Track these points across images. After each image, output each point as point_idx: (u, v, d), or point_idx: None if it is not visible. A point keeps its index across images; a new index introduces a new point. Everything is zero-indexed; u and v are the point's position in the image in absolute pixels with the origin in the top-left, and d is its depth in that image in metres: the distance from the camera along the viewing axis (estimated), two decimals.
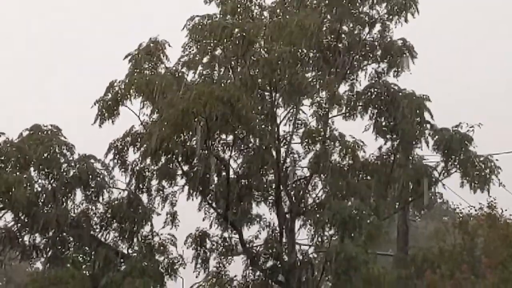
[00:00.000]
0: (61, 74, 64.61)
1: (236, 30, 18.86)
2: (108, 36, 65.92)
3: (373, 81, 20.96)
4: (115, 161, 19.98)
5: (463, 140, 19.79)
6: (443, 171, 20.21)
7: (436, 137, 19.95)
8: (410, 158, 20.19)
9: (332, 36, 21.06)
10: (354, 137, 20.22)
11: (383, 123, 20.05)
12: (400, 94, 19.92)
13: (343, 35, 21.29)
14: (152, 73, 19.75)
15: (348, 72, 21.29)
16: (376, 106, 20.06)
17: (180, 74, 20.15)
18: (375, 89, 20.22)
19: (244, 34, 18.76)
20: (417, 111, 19.69)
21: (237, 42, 18.82)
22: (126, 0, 68.74)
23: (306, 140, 20.38)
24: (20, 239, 19.85)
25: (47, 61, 66.60)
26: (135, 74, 19.69)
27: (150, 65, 20.02)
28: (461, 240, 21.30)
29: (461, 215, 22.62)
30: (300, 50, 19.17)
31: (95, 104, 19.53)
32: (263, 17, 20.77)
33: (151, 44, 20.20)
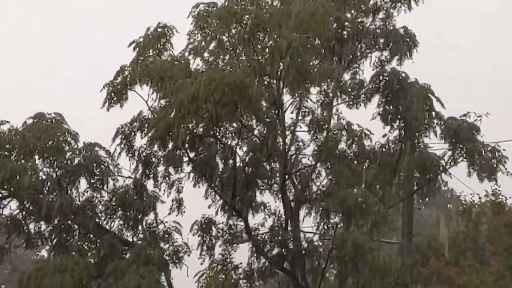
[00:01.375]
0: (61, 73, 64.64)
1: (246, 16, 18.80)
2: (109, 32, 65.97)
3: (377, 69, 20.93)
4: (122, 146, 19.95)
5: (470, 129, 19.79)
6: (450, 160, 20.20)
7: (444, 126, 19.94)
8: (417, 146, 20.15)
9: (337, 24, 20.99)
10: (360, 126, 20.21)
11: (390, 111, 20.00)
12: (408, 82, 19.88)
13: (346, 23, 21.23)
14: (158, 59, 19.69)
15: (351, 60, 21.24)
16: (384, 94, 20.02)
17: (186, 61, 20.12)
18: (384, 77, 20.18)
19: (252, 20, 18.71)
20: (426, 99, 19.66)
21: (245, 29, 18.76)
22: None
23: (313, 128, 20.34)
24: (25, 227, 19.85)
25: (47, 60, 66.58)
26: (140, 60, 19.65)
27: (155, 52, 19.97)
28: (465, 228, 21.31)
29: (465, 203, 22.66)
30: (309, 38, 19.13)
31: (104, 88, 19.50)
32: (268, 5, 20.66)
33: (158, 29, 20.13)
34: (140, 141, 20.12)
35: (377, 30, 21.29)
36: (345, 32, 21.14)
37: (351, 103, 20.90)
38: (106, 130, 20.00)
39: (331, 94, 20.85)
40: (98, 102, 19.95)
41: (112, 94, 19.47)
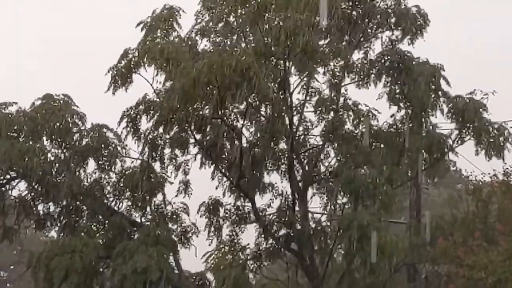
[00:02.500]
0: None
1: None
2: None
3: (384, 49, 20.84)
4: (128, 129, 19.97)
5: (477, 107, 19.70)
6: (457, 139, 20.15)
7: (450, 104, 19.86)
8: (424, 126, 20.09)
9: (347, 3, 20.88)
10: (367, 106, 20.17)
11: (397, 91, 19.93)
12: (414, 62, 19.78)
13: (357, 3, 21.11)
14: (165, 40, 19.64)
15: (362, 40, 21.13)
16: (390, 73, 19.94)
17: (193, 42, 20.07)
18: (389, 57, 20.09)
19: (259, 1, 18.62)
20: (432, 78, 19.57)
21: (252, 9, 18.69)
22: None
23: (320, 108, 20.29)
24: (34, 208, 19.98)
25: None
26: (148, 42, 19.60)
27: (162, 33, 19.91)
28: (475, 207, 21.25)
29: (474, 182, 22.59)
30: (315, 18, 19.03)
31: (108, 72, 19.50)
32: None
33: (165, 11, 20.06)
34: (146, 124, 20.15)
35: (389, 10, 21.15)
36: (354, 12, 21.01)
37: (359, 83, 20.81)
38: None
39: (338, 74, 20.77)
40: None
41: (117, 77, 19.44)
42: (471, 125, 19.84)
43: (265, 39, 18.80)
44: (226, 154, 20.33)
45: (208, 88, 17.56)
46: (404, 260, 19.70)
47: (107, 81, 19.31)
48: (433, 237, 20.02)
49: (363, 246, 17.89)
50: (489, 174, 21.99)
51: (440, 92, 19.79)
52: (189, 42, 20.02)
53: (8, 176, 19.50)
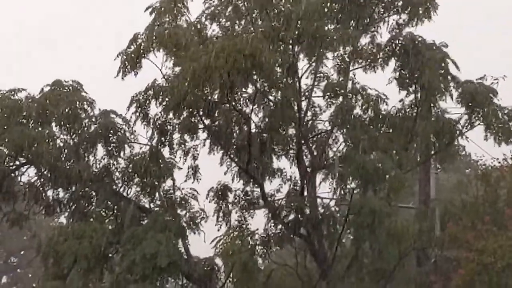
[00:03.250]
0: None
1: None
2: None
3: (394, 33, 20.75)
4: (137, 114, 19.97)
5: (487, 92, 19.61)
6: (467, 124, 20.08)
7: (460, 89, 19.78)
8: (433, 111, 20.03)
9: None
10: (377, 90, 20.10)
11: (406, 76, 19.85)
12: (424, 46, 19.68)
13: None
14: (173, 25, 19.58)
15: (368, 24, 21.04)
16: (400, 58, 19.86)
17: (202, 27, 20.02)
18: (399, 41, 20.00)
19: None
20: (442, 63, 19.48)
21: None
22: None
23: (328, 93, 20.24)
24: (44, 194, 20.03)
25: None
26: (156, 27, 19.56)
27: (171, 17, 19.84)
28: (484, 192, 21.22)
29: (483, 167, 22.55)
30: (325, 3, 18.99)
31: (118, 57, 19.48)
32: None
33: None
34: (155, 109, 20.15)
35: None
36: None
37: (367, 67, 20.74)
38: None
39: (347, 59, 20.70)
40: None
41: (126, 62, 19.42)
42: (481, 110, 19.77)
43: (274, 23, 18.74)
44: (235, 139, 20.32)
45: (217, 74, 17.50)
46: (413, 245, 19.69)
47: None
48: (442, 222, 20.01)
49: (373, 231, 17.88)
50: (498, 159, 21.97)
51: (449, 77, 19.71)
52: (198, 26, 19.99)
53: (17, 162, 19.53)
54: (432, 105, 19.87)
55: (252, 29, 19.47)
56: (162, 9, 19.80)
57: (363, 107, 19.99)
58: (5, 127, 19.02)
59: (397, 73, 19.93)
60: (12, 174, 19.66)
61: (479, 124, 19.98)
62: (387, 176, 18.47)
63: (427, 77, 19.37)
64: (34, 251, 23.04)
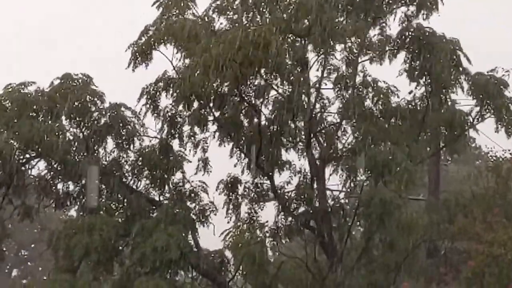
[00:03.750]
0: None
1: None
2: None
3: (403, 25, 20.69)
4: (148, 106, 19.99)
5: (498, 84, 19.57)
6: (477, 116, 20.05)
7: (471, 81, 19.73)
8: (444, 103, 19.98)
9: None
10: (387, 83, 20.06)
11: (417, 68, 19.80)
12: (435, 37, 19.62)
13: None
14: (181, 18, 19.57)
15: (377, 16, 20.98)
16: (411, 49, 19.80)
17: (210, 20, 20.01)
18: (410, 32, 19.94)
19: None
20: (453, 55, 19.43)
21: None
22: None
23: (338, 85, 20.22)
24: (54, 187, 20.08)
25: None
26: (164, 20, 19.57)
27: (178, 11, 19.85)
28: (494, 184, 21.17)
29: (494, 159, 22.51)
30: None
31: (128, 48, 19.50)
32: None
33: None
34: (165, 101, 20.17)
35: None
36: None
37: (376, 59, 20.69)
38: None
39: (356, 51, 20.66)
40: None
41: (137, 54, 19.43)
42: (491, 102, 19.73)
43: (284, 16, 18.70)
44: (245, 131, 20.32)
45: (229, 65, 17.48)
46: (423, 237, 19.68)
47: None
48: (452, 213, 19.99)
49: (383, 223, 17.88)
50: (509, 150, 21.94)
51: (460, 69, 19.66)
52: (206, 19, 19.97)
53: (27, 156, 19.56)
54: (443, 97, 19.82)
55: (260, 21, 19.45)
56: (170, 2, 19.81)
57: (374, 100, 19.97)
58: (15, 120, 19.04)
59: (408, 65, 19.87)
60: (22, 168, 19.67)
61: (490, 116, 19.96)
62: (398, 168, 18.43)
63: (438, 69, 19.32)
64: (44, 244, 23.05)
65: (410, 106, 20.43)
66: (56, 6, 69.95)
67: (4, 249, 20.96)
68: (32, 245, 53.08)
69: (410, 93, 20.36)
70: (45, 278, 34.17)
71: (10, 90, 19.53)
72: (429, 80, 19.82)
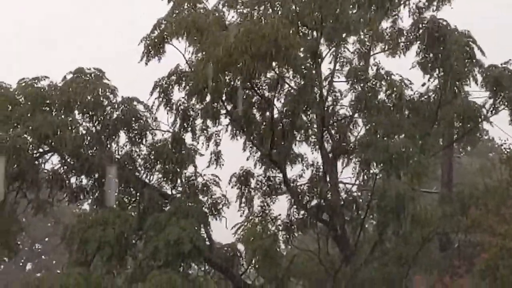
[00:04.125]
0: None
1: None
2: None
3: (414, 16, 20.61)
4: (160, 99, 20.01)
5: None
6: (491, 108, 19.97)
7: (485, 74, 19.65)
8: (457, 95, 19.90)
9: None
10: (400, 76, 20.00)
11: (430, 60, 19.71)
12: (448, 30, 19.53)
13: None
14: (192, 12, 19.56)
15: (389, 8, 20.89)
16: (424, 42, 19.72)
17: (221, 14, 20.00)
18: (424, 24, 19.85)
19: None
20: (466, 47, 19.34)
21: None
22: None
23: (351, 78, 20.16)
24: (67, 182, 20.13)
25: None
26: (175, 14, 19.55)
27: (189, 5, 19.83)
28: (508, 176, 21.08)
29: (507, 151, 22.42)
30: None
31: (141, 42, 19.53)
32: None
33: None
34: (178, 94, 20.18)
35: None
36: None
37: (389, 52, 20.63)
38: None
39: (368, 43, 20.60)
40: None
41: (150, 48, 19.44)
42: (505, 94, 19.66)
43: (296, 8, 18.65)
44: (257, 125, 20.31)
45: (241, 58, 17.45)
46: (436, 230, 19.64)
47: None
48: (466, 206, 19.93)
49: (397, 216, 17.84)
50: None
51: (474, 61, 19.57)
52: (216, 14, 19.95)
53: (41, 150, 19.64)
54: (456, 89, 19.75)
55: (272, 14, 19.40)
56: None
57: (387, 92, 19.91)
58: (29, 115, 19.12)
59: (421, 58, 19.79)
60: (36, 162, 19.76)
61: (503, 108, 19.89)
62: (410, 160, 18.38)
63: (451, 61, 19.24)
64: (58, 238, 23.19)
65: (423, 98, 20.36)
66: (56, 6, 70.03)
67: (18, 242, 20.98)
68: (46, 239, 53.31)
69: (423, 85, 20.32)
70: (59, 271, 34.32)
71: (23, 85, 19.62)
72: (443, 73, 19.73)
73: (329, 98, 20.57)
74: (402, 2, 20.96)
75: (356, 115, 20.72)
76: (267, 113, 19.91)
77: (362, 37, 20.42)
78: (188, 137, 20.37)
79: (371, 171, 19.37)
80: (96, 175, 19.89)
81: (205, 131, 20.54)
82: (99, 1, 69.75)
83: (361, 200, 20.47)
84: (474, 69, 19.66)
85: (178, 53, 19.62)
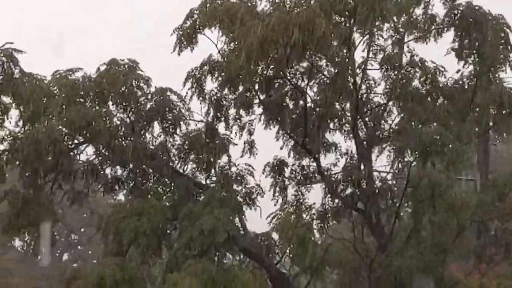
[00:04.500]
0: None
1: None
2: None
3: (446, 3, 20.37)
4: (193, 90, 20.03)
5: None
6: None
7: None
8: (492, 81, 19.68)
9: None
10: (434, 62, 19.81)
11: (465, 46, 19.51)
12: (483, 15, 19.31)
13: None
14: (225, 1, 19.53)
15: None
16: (459, 28, 19.52)
17: (253, 3, 19.94)
18: (459, 10, 19.64)
19: None
20: (502, 33, 19.11)
21: None
22: None
23: (385, 65, 20.02)
24: (102, 172, 20.25)
25: None
26: (208, 3, 19.54)
27: None
28: None
29: None
30: None
31: (174, 32, 19.53)
32: None
33: None
34: (210, 84, 20.19)
35: None
36: None
37: (423, 38, 20.46)
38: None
39: (402, 30, 20.45)
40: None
41: (182, 38, 19.46)
42: None
43: None
44: (291, 114, 20.26)
45: (274, 47, 17.40)
46: (472, 218, 19.49)
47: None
48: (502, 193, 19.77)
49: (433, 204, 17.71)
50: None
51: (509, 47, 19.32)
52: (249, 3, 19.89)
53: (75, 141, 19.76)
54: (491, 76, 19.53)
55: (305, 3, 19.29)
56: None
57: (421, 80, 19.75)
58: (63, 106, 19.23)
59: (456, 44, 19.59)
60: (71, 153, 19.89)
61: None
62: (445, 148, 18.23)
63: (486, 47, 19.02)
64: (94, 229, 23.36)
65: (457, 85, 20.17)
66: (56, 6, 70.08)
67: (55, 233, 21.11)
68: (82, 230, 53.75)
69: (457, 72, 20.12)
70: (95, 261, 34.62)
71: (57, 76, 19.72)
72: (477, 59, 19.52)
73: (363, 86, 20.47)
74: None
75: (390, 103, 20.63)
76: (300, 102, 19.85)
77: (395, 24, 20.25)
78: (221, 127, 20.44)
79: (406, 159, 19.24)
80: (131, 166, 19.98)
81: (238, 121, 20.57)
82: (99, 1, 69.82)
83: (396, 189, 20.33)
84: (510, 55, 19.43)
85: (207, 44, 19.68)
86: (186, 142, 20.10)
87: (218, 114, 20.28)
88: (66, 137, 19.27)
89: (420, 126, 19.13)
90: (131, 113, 19.78)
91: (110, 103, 19.67)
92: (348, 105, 20.47)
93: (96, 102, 19.44)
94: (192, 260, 18.04)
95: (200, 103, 20.19)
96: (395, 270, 19.33)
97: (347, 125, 20.74)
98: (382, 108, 20.76)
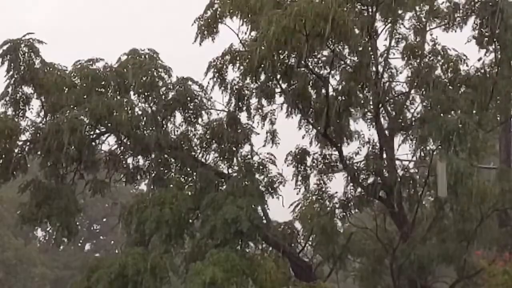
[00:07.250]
0: None
1: None
2: None
3: None
4: (215, 79, 20.04)
5: None
6: None
7: None
8: None
9: None
10: (456, 50, 19.70)
11: (486, 34, 19.38)
12: (505, 3, 19.16)
13: None
14: None
15: None
16: (480, 16, 19.38)
17: None
18: None
19: None
20: None
21: None
22: None
23: (407, 54, 19.91)
24: (124, 162, 20.33)
25: None
26: None
27: None
28: None
29: None
30: None
31: (194, 22, 19.53)
32: None
33: None
34: (232, 74, 20.18)
35: None
36: None
37: (445, 27, 20.34)
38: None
39: (424, 19, 20.33)
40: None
41: (203, 28, 19.44)
42: None
43: None
44: (313, 103, 20.22)
45: (296, 37, 17.34)
46: (495, 206, 19.39)
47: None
48: None
49: (455, 192, 17.64)
50: None
51: None
52: None
53: (97, 131, 19.82)
54: None
55: None
56: None
57: (443, 68, 19.64)
58: (85, 96, 19.28)
59: (476, 32, 19.47)
60: (93, 143, 19.95)
61: None
62: (468, 136, 18.14)
63: (507, 35, 18.88)
64: (116, 218, 23.40)
65: (479, 73, 20.04)
66: (56, 6, 70.08)
67: (77, 223, 21.18)
68: (104, 219, 54.11)
69: (479, 60, 20.00)
70: (117, 251, 34.81)
71: (79, 66, 19.77)
72: (499, 46, 19.38)
73: (385, 75, 20.42)
74: None
75: (412, 91, 20.55)
76: (323, 91, 19.79)
77: (418, 13, 20.14)
78: (243, 116, 20.43)
79: (428, 148, 19.16)
80: (153, 155, 20.02)
81: (260, 110, 20.56)
82: (99, 1, 69.81)
83: (418, 177, 20.27)
84: None
85: (227, 34, 19.64)
86: (208, 132, 20.10)
87: (240, 103, 20.27)
88: (87, 127, 19.30)
89: (442, 114, 19.00)
90: (152, 103, 19.79)
91: (131, 93, 19.70)
92: (370, 94, 20.38)
93: (118, 92, 19.47)
94: (215, 249, 18.07)
95: (222, 93, 20.22)
96: (418, 258, 19.27)
97: (369, 113, 20.67)
98: (404, 96, 20.67)
